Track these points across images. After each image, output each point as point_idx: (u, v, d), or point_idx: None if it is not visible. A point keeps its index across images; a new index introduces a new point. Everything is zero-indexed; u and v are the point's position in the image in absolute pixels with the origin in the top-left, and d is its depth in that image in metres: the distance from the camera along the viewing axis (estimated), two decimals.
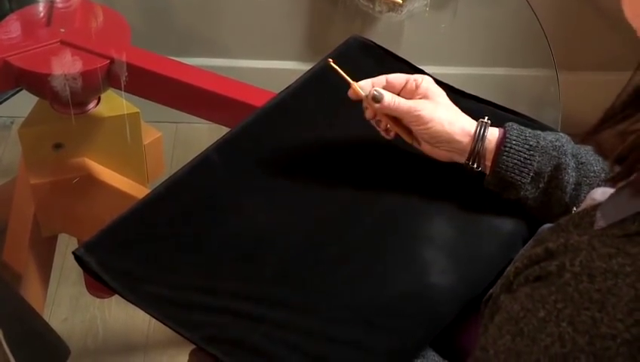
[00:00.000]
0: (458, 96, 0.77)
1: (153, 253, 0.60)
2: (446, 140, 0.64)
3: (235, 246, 0.61)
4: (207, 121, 0.93)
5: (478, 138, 0.63)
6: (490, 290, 0.48)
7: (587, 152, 0.63)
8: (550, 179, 0.62)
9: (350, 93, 0.66)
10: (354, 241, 0.61)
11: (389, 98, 0.64)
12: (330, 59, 0.66)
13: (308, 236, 0.62)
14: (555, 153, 0.62)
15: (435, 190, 0.66)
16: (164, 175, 0.99)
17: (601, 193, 0.46)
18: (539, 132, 0.64)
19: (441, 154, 0.65)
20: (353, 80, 0.66)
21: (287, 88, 0.76)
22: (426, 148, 0.66)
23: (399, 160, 0.68)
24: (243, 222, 0.62)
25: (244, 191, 0.65)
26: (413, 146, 0.66)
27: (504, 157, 0.62)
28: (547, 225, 0.51)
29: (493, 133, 0.63)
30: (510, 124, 0.64)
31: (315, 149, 0.69)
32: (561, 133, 0.65)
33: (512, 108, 0.76)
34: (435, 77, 0.79)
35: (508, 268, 0.45)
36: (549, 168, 0.62)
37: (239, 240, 0.61)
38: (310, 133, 0.71)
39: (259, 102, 0.76)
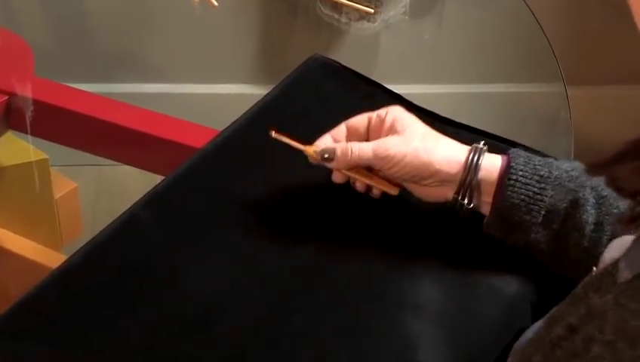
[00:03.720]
0: (446, 126, 0.78)
1: (70, 337, 0.59)
2: (430, 173, 0.63)
3: (175, 323, 0.60)
4: None
5: (471, 167, 0.62)
6: None
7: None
8: (566, 217, 0.61)
9: (310, 159, 0.67)
10: (323, 309, 0.61)
11: (343, 149, 0.64)
12: (273, 131, 0.66)
13: (267, 304, 0.61)
14: (571, 185, 0.61)
15: (421, 242, 0.66)
16: (84, 236, 0.99)
17: (618, 247, 0.46)
18: (550, 159, 0.63)
19: (433, 192, 0.65)
20: (313, 114, 0.67)
21: (233, 124, 0.76)
22: (416, 190, 0.65)
23: (376, 205, 0.68)
24: (183, 293, 0.62)
25: (183, 254, 0.65)
26: (407, 195, 0.66)
27: (509, 192, 0.61)
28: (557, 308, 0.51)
29: (492, 162, 0.63)
30: (515, 150, 0.64)
31: (269, 196, 0.69)
32: (576, 162, 0.65)
33: (514, 133, 0.77)
34: (416, 100, 0.81)
35: None
36: (565, 204, 0.61)
37: (180, 316, 0.61)
38: (263, 177, 0.71)
39: (198, 142, 0.76)
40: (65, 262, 0.65)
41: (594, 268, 0.57)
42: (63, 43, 1.34)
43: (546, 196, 0.61)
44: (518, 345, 0.58)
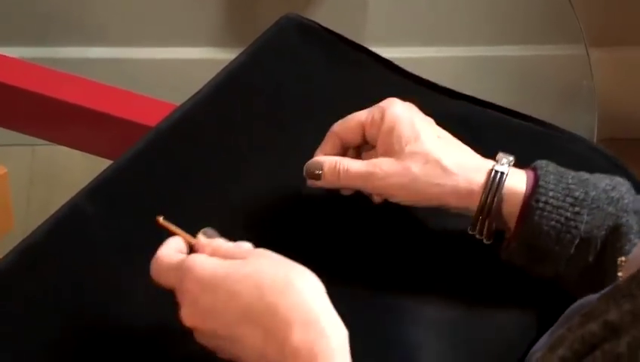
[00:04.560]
0: (446, 98, 0.78)
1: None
2: (436, 205, 0.64)
3: (122, 342, 0.61)
4: None
5: (486, 201, 0.61)
6: None
7: None
8: (604, 248, 0.60)
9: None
10: None
11: (331, 166, 0.64)
12: (160, 217, 0.61)
13: None
14: (611, 209, 0.60)
15: (426, 250, 0.66)
16: (15, 232, 0.97)
17: None
18: (585, 175, 0.63)
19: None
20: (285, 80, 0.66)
21: (192, 97, 0.76)
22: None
23: (363, 205, 0.68)
24: (134, 308, 0.62)
25: (132, 258, 0.64)
26: None
27: (537, 217, 0.60)
28: (588, 299, 0.51)
29: (517, 180, 0.62)
30: (543, 164, 0.63)
31: (235, 185, 0.70)
32: (618, 178, 0.63)
33: (527, 104, 0.77)
34: (412, 67, 0.80)
35: (536, 358, 0.45)
36: (603, 232, 0.60)
37: (127, 336, 0.61)
38: (228, 160, 0.72)
39: (151, 119, 0.76)
40: None
41: (622, 259, 0.57)
42: None
43: (581, 222, 0.60)
44: (532, 351, 0.59)
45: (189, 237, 0.60)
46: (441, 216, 0.66)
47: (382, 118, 0.64)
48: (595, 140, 0.94)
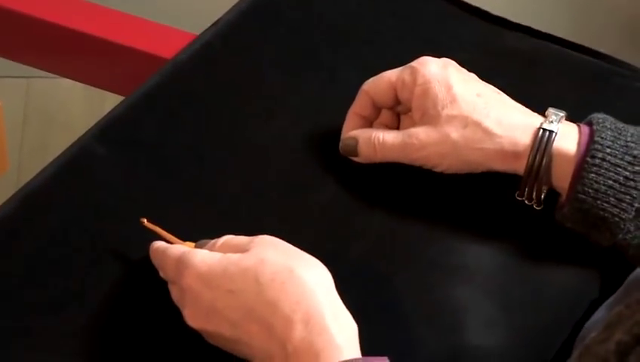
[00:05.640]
0: (500, 29, 0.78)
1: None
2: (480, 169, 0.65)
3: (133, 301, 0.62)
4: None
5: (536, 159, 0.62)
6: None
7: None
8: None
9: None
10: (342, 276, 0.62)
11: (365, 141, 0.66)
12: (144, 219, 0.63)
13: None
14: None
15: (475, 206, 0.67)
16: (10, 174, 0.99)
17: None
18: None
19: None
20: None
21: (214, 25, 0.76)
22: None
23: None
24: (146, 262, 0.62)
25: (145, 205, 0.66)
26: None
27: (593, 174, 0.61)
28: None
29: (568, 138, 0.63)
30: (600, 119, 0.64)
31: (261, 125, 0.71)
32: None
33: (590, 36, 0.76)
34: None
35: (592, 338, 0.46)
36: None
37: (142, 296, 0.62)
38: (254, 97, 0.72)
39: (167, 50, 0.76)
40: None
41: None
42: None
43: None
44: (587, 326, 0.60)
45: (177, 240, 0.61)
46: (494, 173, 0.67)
47: (414, 80, 0.65)
48: None
